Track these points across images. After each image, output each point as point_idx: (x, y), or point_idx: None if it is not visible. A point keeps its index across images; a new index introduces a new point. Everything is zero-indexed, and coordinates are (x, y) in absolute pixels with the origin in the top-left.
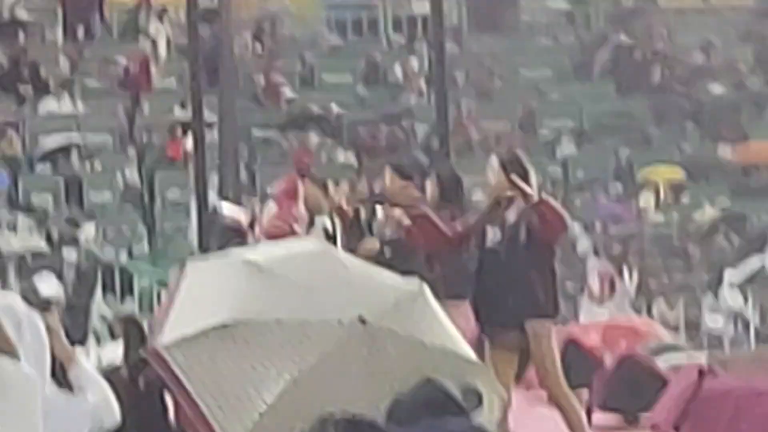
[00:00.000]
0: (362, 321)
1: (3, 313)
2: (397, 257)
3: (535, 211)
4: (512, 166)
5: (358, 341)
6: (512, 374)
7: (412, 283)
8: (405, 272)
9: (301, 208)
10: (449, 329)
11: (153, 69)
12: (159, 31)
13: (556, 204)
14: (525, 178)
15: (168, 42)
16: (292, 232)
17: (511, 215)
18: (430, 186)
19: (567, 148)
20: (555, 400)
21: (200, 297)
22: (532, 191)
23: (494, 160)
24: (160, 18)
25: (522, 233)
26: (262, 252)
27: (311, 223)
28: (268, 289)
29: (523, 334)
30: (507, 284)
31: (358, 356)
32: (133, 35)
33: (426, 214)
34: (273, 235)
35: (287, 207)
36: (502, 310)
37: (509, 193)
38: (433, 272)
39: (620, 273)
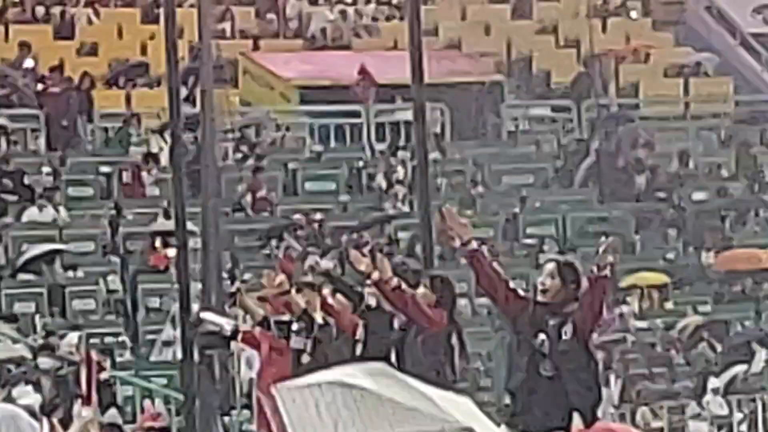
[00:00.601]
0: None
1: (3, 423)
2: None
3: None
4: (567, 272)
5: None
6: None
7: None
8: None
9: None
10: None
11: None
12: (158, 142)
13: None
14: (577, 284)
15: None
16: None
17: (554, 319)
18: (424, 289)
19: (550, 255)
20: None
21: (317, 423)
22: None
23: (550, 264)
24: (161, 132)
25: (568, 330)
26: (344, 374)
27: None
28: (378, 408)
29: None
30: (551, 385)
31: None
32: (119, 144)
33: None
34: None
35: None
36: (547, 412)
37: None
38: None
39: (604, 380)
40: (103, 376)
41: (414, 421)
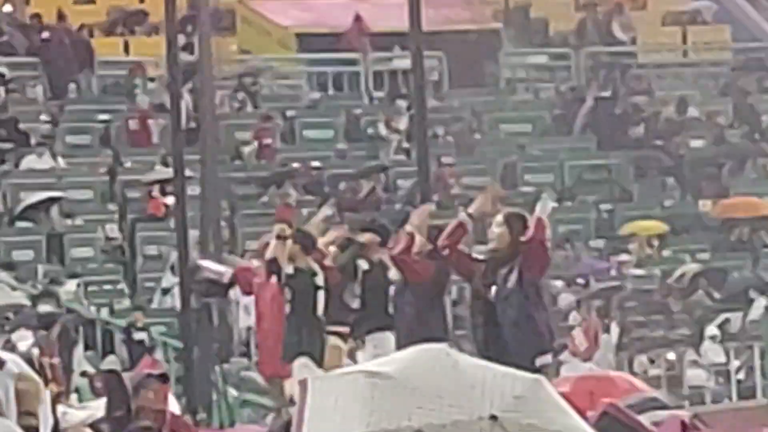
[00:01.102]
0: (493, 418)
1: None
2: None
3: (524, 251)
4: (514, 221)
5: None
6: None
7: (530, 375)
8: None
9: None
10: (572, 417)
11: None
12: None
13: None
14: (524, 228)
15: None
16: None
17: (504, 269)
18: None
19: (548, 203)
20: None
21: (329, 414)
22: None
23: (499, 215)
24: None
25: (512, 275)
26: (380, 363)
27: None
28: (396, 398)
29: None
30: (511, 330)
31: None
32: (119, 92)
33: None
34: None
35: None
36: (510, 355)
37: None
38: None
39: (602, 328)
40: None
41: (434, 413)
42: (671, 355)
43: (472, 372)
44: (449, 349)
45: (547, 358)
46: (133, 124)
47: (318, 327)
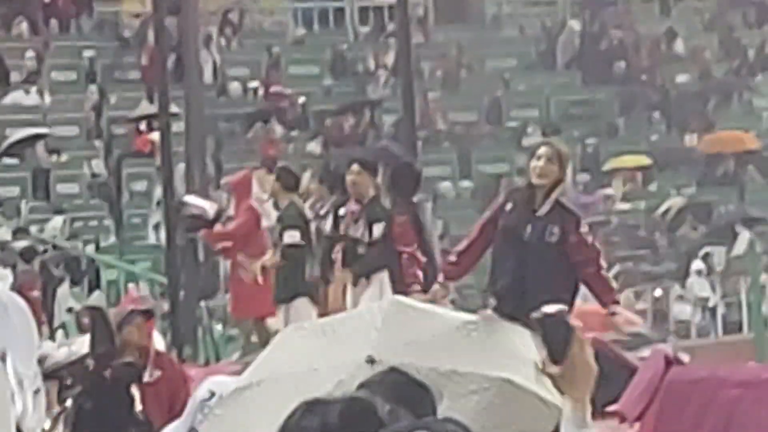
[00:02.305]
0: (370, 361)
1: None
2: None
3: (566, 224)
4: (563, 157)
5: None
6: None
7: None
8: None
9: (255, 200)
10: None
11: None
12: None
13: (584, 234)
14: (561, 167)
15: None
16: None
17: (544, 208)
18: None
19: (533, 138)
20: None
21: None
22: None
23: (547, 149)
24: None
25: (555, 230)
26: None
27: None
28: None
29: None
30: (532, 284)
31: None
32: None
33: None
34: (243, 233)
35: (245, 204)
36: (522, 306)
37: (543, 182)
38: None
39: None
40: None
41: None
42: (657, 291)
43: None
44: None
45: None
46: (145, 61)
47: (312, 265)
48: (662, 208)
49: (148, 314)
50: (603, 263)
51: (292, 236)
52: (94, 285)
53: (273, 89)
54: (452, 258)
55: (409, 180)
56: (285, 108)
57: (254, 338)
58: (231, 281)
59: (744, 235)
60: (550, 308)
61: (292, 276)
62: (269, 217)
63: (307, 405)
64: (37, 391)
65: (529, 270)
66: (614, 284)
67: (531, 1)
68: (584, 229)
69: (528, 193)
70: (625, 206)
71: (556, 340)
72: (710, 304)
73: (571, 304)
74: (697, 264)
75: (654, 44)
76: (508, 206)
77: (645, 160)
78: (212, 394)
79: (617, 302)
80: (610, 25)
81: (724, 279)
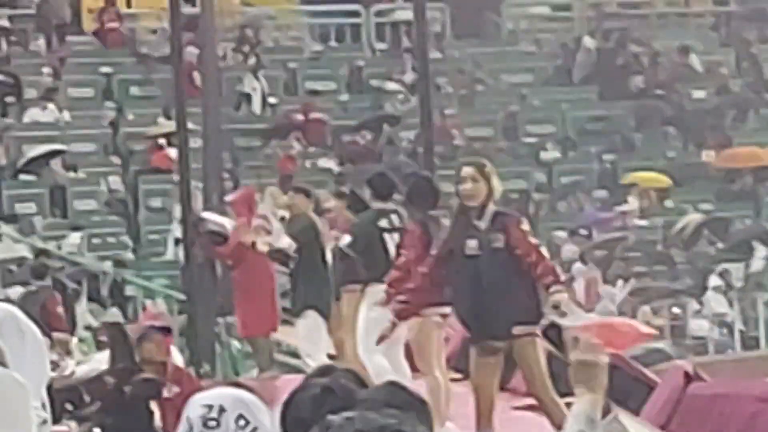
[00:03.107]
0: None
1: (4, 323)
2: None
3: (508, 227)
4: (487, 174)
5: None
6: (497, 381)
7: None
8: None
9: (260, 216)
10: None
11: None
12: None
13: (524, 228)
14: (488, 181)
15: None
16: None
17: (483, 222)
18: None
19: (551, 154)
20: (543, 406)
21: None
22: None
23: (470, 170)
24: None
25: (499, 236)
26: None
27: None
28: None
29: (508, 341)
30: (490, 293)
31: None
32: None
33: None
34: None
35: (253, 216)
36: (488, 319)
37: (473, 203)
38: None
39: (605, 279)
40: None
41: None
42: (675, 307)
43: None
44: None
45: (526, 328)
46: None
47: (326, 279)
48: (679, 225)
49: (166, 331)
50: (544, 253)
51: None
52: (115, 301)
53: (312, 115)
54: (403, 297)
55: (427, 194)
56: (302, 124)
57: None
58: (236, 299)
59: (761, 251)
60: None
61: (304, 290)
62: (278, 238)
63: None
64: (44, 422)
65: (483, 283)
66: (558, 269)
67: (548, 17)
68: (525, 226)
69: (464, 212)
70: (643, 222)
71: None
72: (728, 320)
73: (536, 309)
74: (715, 280)
75: (670, 60)
76: (452, 235)
77: (662, 179)
78: (210, 408)
79: (560, 282)
80: (627, 40)
81: (742, 295)
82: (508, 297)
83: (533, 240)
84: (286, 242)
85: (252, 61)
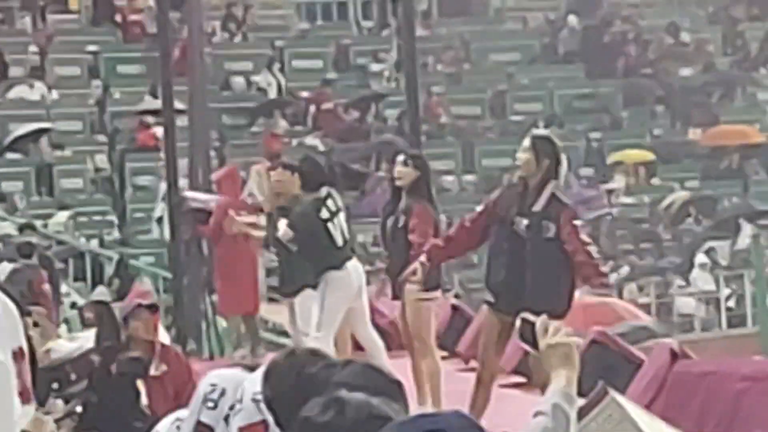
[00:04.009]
0: None
1: None
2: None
3: (561, 218)
4: (544, 147)
5: None
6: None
7: None
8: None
9: (247, 193)
10: None
11: None
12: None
13: (576, 225)
14: (557, 161)
15: None
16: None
17: (539, 203)
18: (403, 168)
19: (538, 132)
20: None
21: None
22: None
23: (527, 140)
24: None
25: (551, 226)
26: None
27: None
28: None
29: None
30: (529, 277)
31: None
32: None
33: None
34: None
35: (236, 194)
36: (519, 302)
37: (523, 172)
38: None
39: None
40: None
41: None
42: (660, 284)
43: None
44: None
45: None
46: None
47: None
48: (666, 202)
49: (153, 308)
50: (594, 253)
51: (286, 234)
52: (98, 280)
53: (325, 105)
54: (439, 242)
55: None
56: (288, 102)
57: (243, 330)
58: (217, 278)
59: (748, 229)
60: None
61: (298, 269)
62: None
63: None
64: None
65: (525, 266)
66: (605, 270)
67: None
68: (578, 222)
69: (522, 188)
70: (629, 200)
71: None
72: (714, 297)
73: (569, 300)
74: (701, 258)
75: (657, 37)
76: (503, 201)
77: (649, 156)
78: (214, 388)
79: (607, 285)
80: (613, 18)
81: (729, 273)
82: (549, 287)
83: (584, 238)
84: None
85: (238, 39)
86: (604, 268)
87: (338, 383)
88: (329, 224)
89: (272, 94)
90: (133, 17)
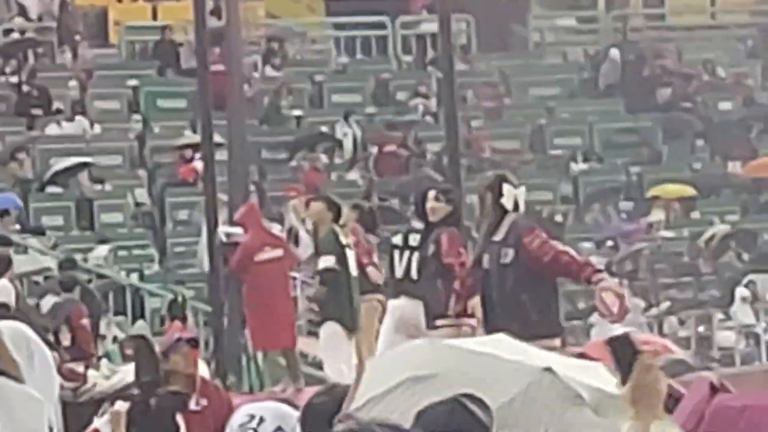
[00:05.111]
0: (549, 370)
1: (13, 341)
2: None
3: (522, 237)
4: (497, 186)
5: (548, 386)
6: None
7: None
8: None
9: (287, 227)
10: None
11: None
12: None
13: (540, 236)
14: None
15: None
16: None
17: (499, 234)
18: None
19: (577, 166)
20: None
21: (383, 372)
22: (510, 208)
23: (483, 179)
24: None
25: (509, 251)
26: (417, 366)
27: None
28: (450, 356)
29: None
30: (501, 308)
31: (547, 401)
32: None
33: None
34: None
35: (258, 230)
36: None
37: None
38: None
39: (631, 290)
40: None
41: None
42: (700, 317)
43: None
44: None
45: (546, 342)
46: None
47: (348, 290)
48: (706, 236)
49: (193, 342)
50: (570, 251)
51: (326, 261)
52: (139, 314)
53: (387, 148)
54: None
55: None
56: (329, 135)
57: (282, 362)
58: (248, 313)
59: None
60: (616, 332)
61: (326, 300)
62: (307, 247)
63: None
64: None
65: (491, 295)
66: (590, 261)
67: (574, 29)
68: (539, 231)
69: (488, 224)
70: (669, 234)
71: (623, 362)
72: (754, 331)
73: (555, 323)
74: (741, 291)
75: (697, 71)
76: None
77: (688, 191)
78: (252, 418)
79: (599, 271)
80: (653, 52)
81: None
82: (518, 314)
83: (554, 243)
84: (310, 253)
85: (278, 73)
86: (591, 260)
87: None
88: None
89: (348, 145)
90: (216, 67)
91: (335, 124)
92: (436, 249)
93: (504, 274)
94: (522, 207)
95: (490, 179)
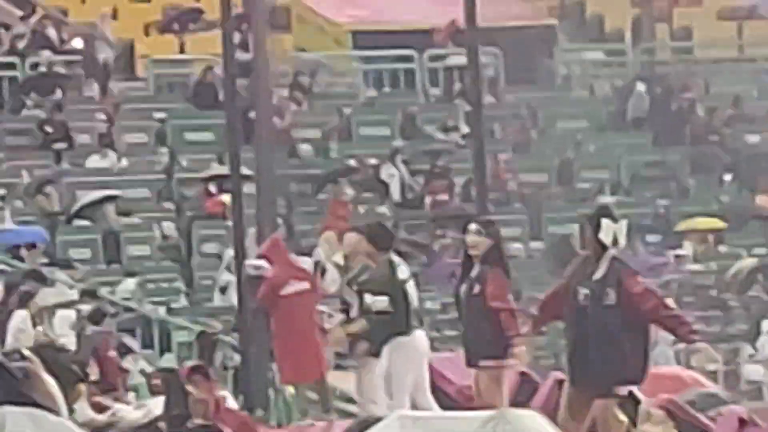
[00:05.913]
0: None
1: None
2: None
3: (623, 280)
4: (596, 219)
5: None
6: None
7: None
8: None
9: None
10: None
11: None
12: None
13: (642, 282)
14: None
15: None
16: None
17: (600, 271)
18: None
19: (604, 199)
20: None
21: None
22: (614, 247)
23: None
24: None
25: (611, 292)
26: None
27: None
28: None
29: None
30: (596, 348)
31: None
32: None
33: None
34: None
35: (284, 263)
36: (592, 373)
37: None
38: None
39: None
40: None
41: None
42: (728, 351)
43: None
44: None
45: (629, 389)
46: None
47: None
48: (733, 269)
49: (202, 370)
50: (670, 304)
51: (380, 302)
52: (166, 347)
53: (440, 197)
54: (535, 311)
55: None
56: (356, 169)
57: (311, 395)
58: (275, 347)
59: None
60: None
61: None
62: (334, 282)
63: None
64: None
65: (588, 336)
66: (688, 319)
67: (601, 62)
68: (642, 279)
69: (585, 257)
70: (697, 267)
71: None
72: None
73: (643, 367)
74: None
75: (724, 105)
76: (572, 273)
77: (718, 223)
78: None
79: (695, 332)
80: (680, 85)
81: None
82: (615, 356)
83: (656, 292)
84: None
85: (305, 106)
86: (689, 318)
87: None
88: (407, 286)
89: (395, 186)
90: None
91: (381, 166)
92: (481, 289)
93: (606, 316)
94: (623, 242)
95: (592, 211)
